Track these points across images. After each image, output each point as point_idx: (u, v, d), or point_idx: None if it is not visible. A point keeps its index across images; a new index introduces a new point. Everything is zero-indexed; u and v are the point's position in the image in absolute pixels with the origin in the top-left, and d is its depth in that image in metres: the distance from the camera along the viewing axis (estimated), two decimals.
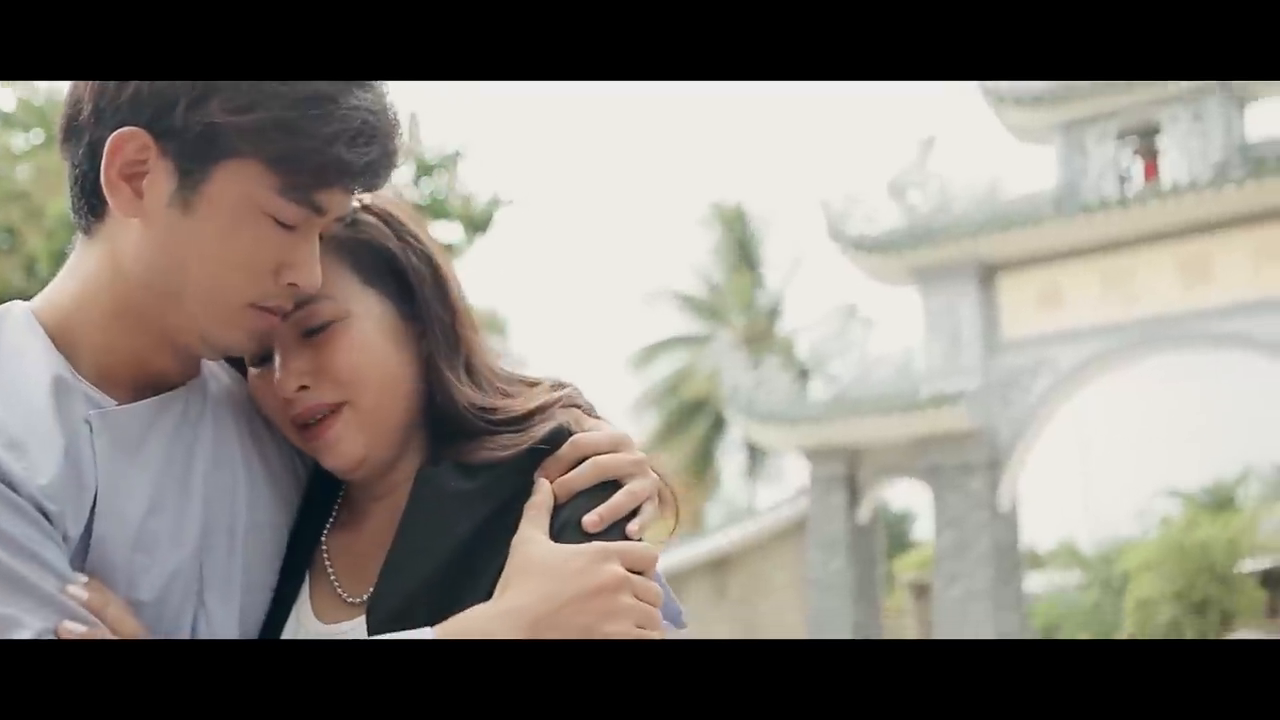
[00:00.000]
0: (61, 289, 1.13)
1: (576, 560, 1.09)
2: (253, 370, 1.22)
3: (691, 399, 26.56)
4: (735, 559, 17.89)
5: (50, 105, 14.37)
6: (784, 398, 16.14)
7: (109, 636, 1.02)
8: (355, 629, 1.15)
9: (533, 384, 1.26)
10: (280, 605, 1.21)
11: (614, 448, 1.15)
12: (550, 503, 1.13)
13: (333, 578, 1.21)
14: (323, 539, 1.24)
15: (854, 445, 15.84)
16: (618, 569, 1.10)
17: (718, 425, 25.70)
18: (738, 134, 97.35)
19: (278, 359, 1.17)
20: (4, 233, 13.62)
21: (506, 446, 1.16)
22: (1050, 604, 20.40)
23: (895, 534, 24.50)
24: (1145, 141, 14.63)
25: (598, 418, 1.23)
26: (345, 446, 1.17)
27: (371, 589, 1.17)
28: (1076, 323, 14.53)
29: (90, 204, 1.09)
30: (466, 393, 1.20)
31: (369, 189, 1.13)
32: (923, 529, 25.60)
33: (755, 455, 26.04)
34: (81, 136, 1.07)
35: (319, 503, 1.27)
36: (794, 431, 15.87)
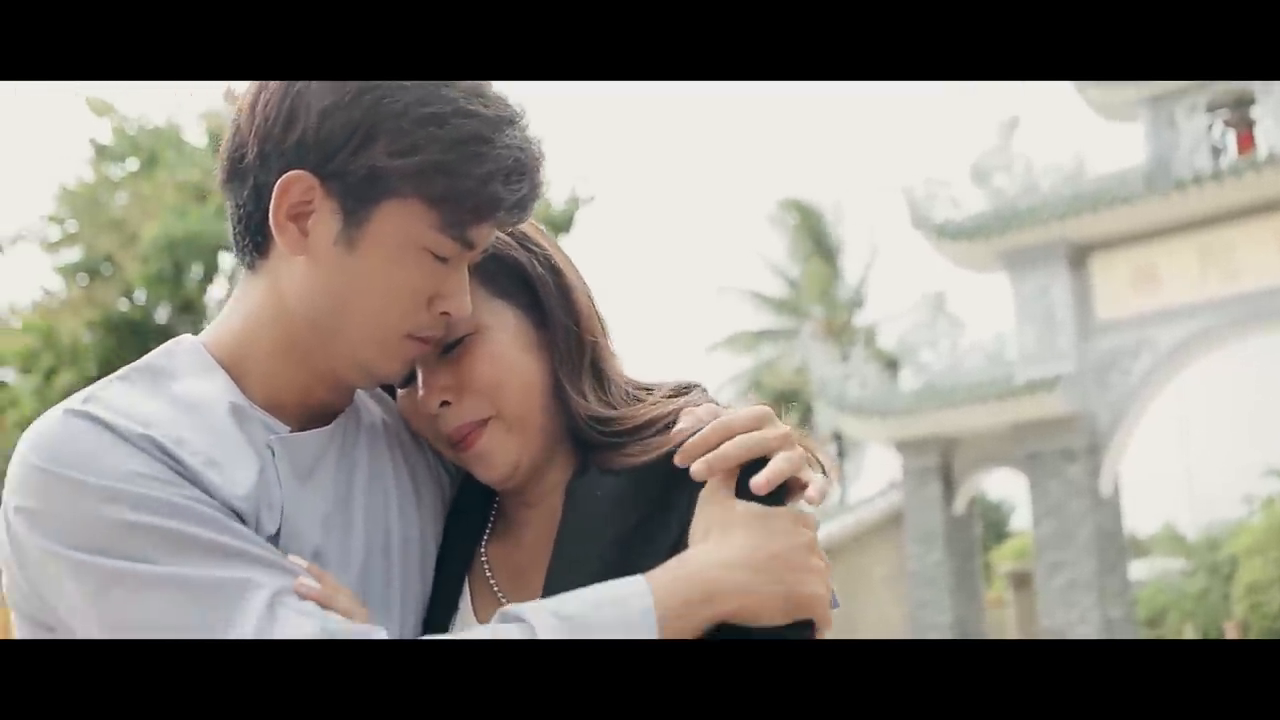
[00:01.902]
0: (228, 323, 1.18)
1: (779, 519, 1.10)
2: (401, 391, 1.24)
3: (777, 393, 26.46)
4: (831, 554, 17.66)
5: (142, 135, 14.77)
6: (874, 389, 15.99)
7: (342, 602, 1.06)
8: None
9: (658, 388, 1.26)
10: (440, 614, 1.23)
11: (756, 425, 1.14)
12: (732, 464, 1.12)
13: (495, 586, 1.23)
14: (481, 549, 1.26)
15: (947, 435, 15.64)
16: (812, 532, 1.12)
17: (805, 419, 25.58)
18: (810, 125, 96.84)
19: (420, 377, 1.20)
20: (103, 260, 14.01)
21: (649, 450, 1.17)
22: (1155, 591, 19.94)
23: (990, 524, 24.13)
24: (1238, 112, 14.24)
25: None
26: (496, 458, 1.19)
27: (536, 599, 1.18)
28: (1175, 301, 14.19)
29: (255, 242, 1.13)
30: (585, 405, 1.21)
31: (518, 222, 1.17)
32: (1019, 519, 25.21)
33: (843, 448, 25.86)
34: (246, 179, 1.11)
35: (471, 513, 1.29)
36: (885, 423, 15.71)
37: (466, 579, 1.24)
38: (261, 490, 1.10)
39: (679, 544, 1.11)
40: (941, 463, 15.73)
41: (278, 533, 1.11)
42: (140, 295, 14.04)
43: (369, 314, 1.11)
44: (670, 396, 1.23)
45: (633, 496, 1.15)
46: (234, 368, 1.15)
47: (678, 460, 1.13)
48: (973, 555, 16.29)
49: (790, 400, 26.16)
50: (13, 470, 1.05)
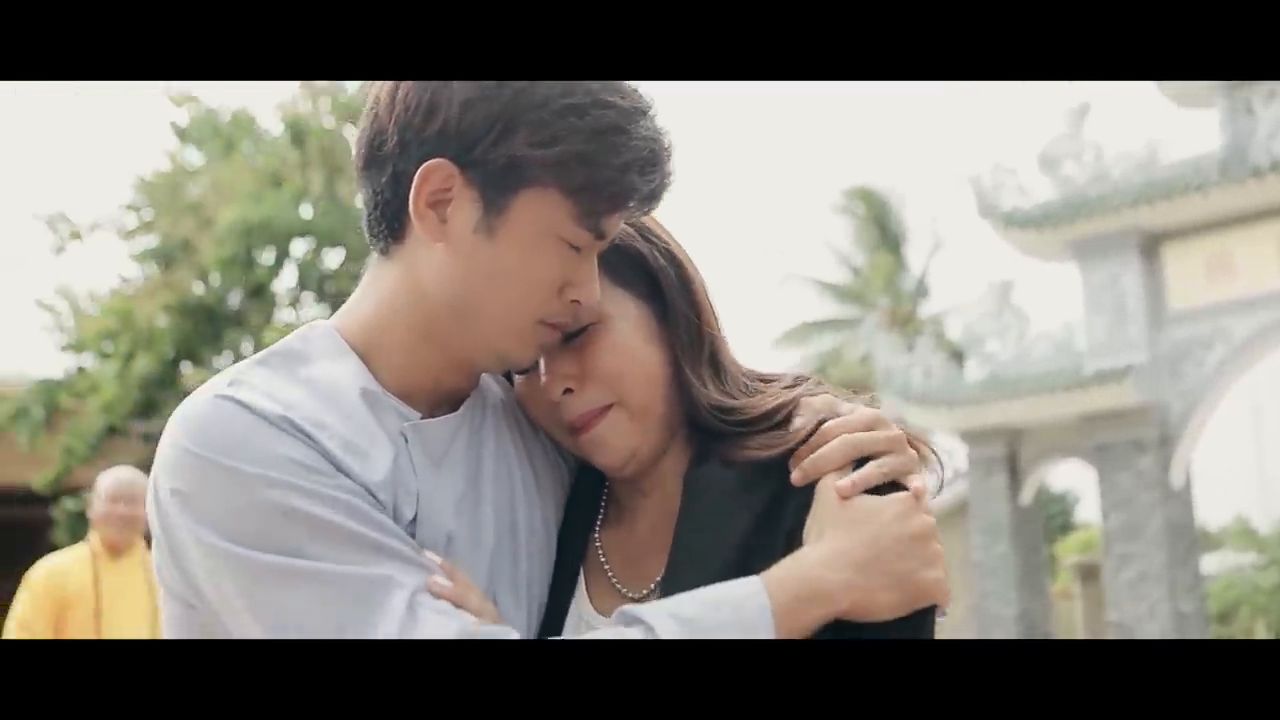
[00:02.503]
0: (360, 308, 1.20)
1: (893, 506, 1.12)
2: (519, 378, 1.27)
3: (841, 383, 26.18)
4: None
5: (220, 124, 14.98)
6: (940, 379, 15.83)
7: (473, 601, 1.08)
8: None
9: (774, 379, 1.28)
10: (557, 600, 1.25)
11: (867, 428, 1.16)
12: (831, 469, 1.14)
13: (609, 573, 1.26)
14: (595, 535, 1.29)
15: (1014, 426, 15.44)
16: (930, 518, 1.13)
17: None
18: (877, 113, 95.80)
19: (542, 364, 1.22)
20: (179, 246, 14.26)
21: (770, 445, 1.18)
22: (1227, 585, 19.53)
23: (1053, 516, 23.79)
24: None
25: (849, 403, 1.24)
26: (614, 444, 1.21)
27: (650, 586, 1.22)
28: (1250, 291, 13.86)
29: (391, 228, 1.15)
30: (707, 394, 1.23)
31: (648, 212, 1.19)
32: (1085, 511, 24.83)
33: None
34: (385, 166, 1.13)
35: (584, 499, 1.31)
36: (951, 414, 15.55)
37: (581, 567, 1.27)
38: (397, 476, 1.12)
39: (794, 541, 1.13)
40: (1008, 453, 15.54)
41: (414, 519, 1.12)
42: (214, 280, 14.26)
43: (506, 301, 1.13)
44: (787, 388, 1.24)
45: (751, 490, 1.17)
46: (367, 353, 1.17)
47: (795, 480, 1.15)
48: (1039, 547, 16.09)
49: (855, 390, 25.80)
50: (165, 453, 1.08)
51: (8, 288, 44.55)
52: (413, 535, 1.11)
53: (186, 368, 13.78)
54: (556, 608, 1.24)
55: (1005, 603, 15.25)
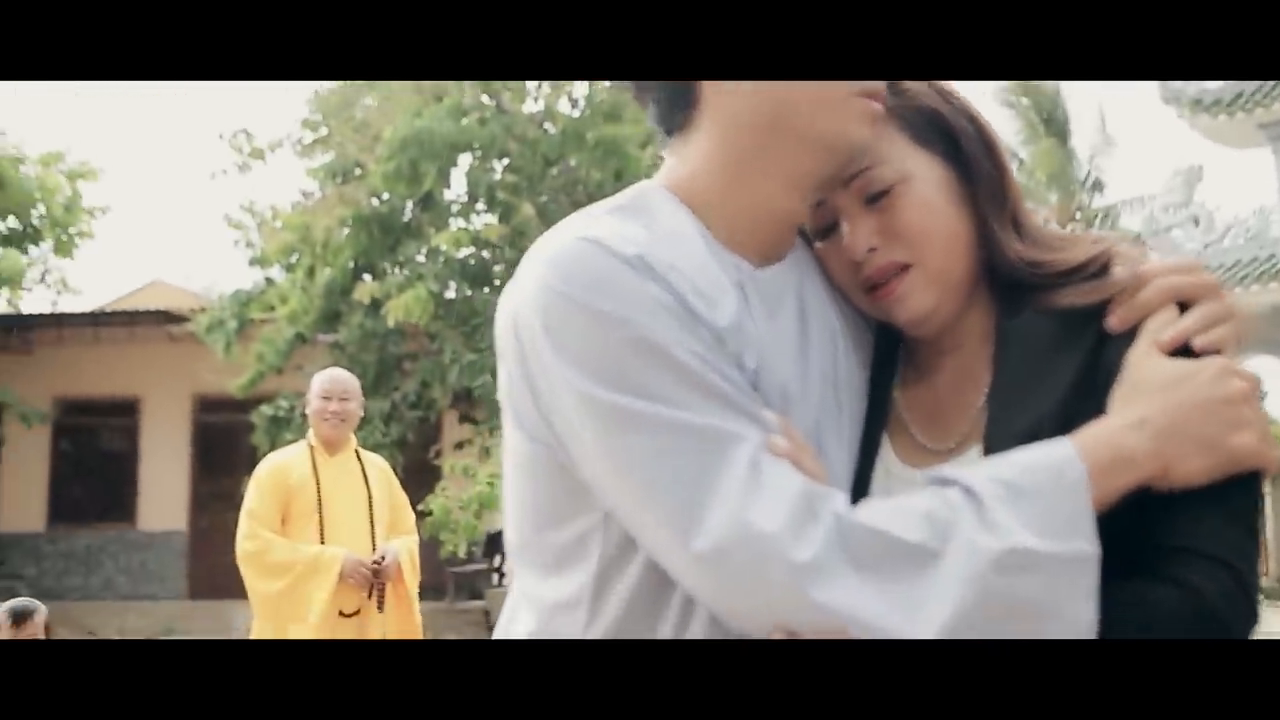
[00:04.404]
0: (679, 169, 1.21)
1: (1202, 371, 1.09)
2: (819, 244, 1.29)
3: None
4: None
5: None
6: None
7: (808, 462, 1.09)
8: None
9: (1075, 236, 1.27)
10: (864, 454, 1.28)
11: (1186, 273, 1.14)
12: (1170, 319, 1.13)
13: (911, 429, 1.28)
14: (894, 394, 1.31)
15: None
16: (1243, 382, 1.09)
17: None
18: None
19: (845, 227, 1.24)
20: (353, 164, 14.67)
21: (1092, 293, 1.17)
22: None
23: None
24: None
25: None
26: (915, 301, 1.22)
27: (955, 440, 1.24)
28: None
29: (685, 99, 1.18)
30: (1017, 248, 1.23)
31: None
32: (1273, 406, 23.73)
33: None
34: None
35: (881, 361, 1.33)
36: None
37: (884, 421, 1.29)
38: (740, 325, 1.13)
39: (1104, 397, 1.11)
40: None
41: (755, 370, 1.13)
42: (386, 194, 14.64)
43: (816, 84, 1.14)
44: (1094, 243, 1.23)
45: (1072, 339, 1.16)
46: (694, 207, 1.18)
47: (1113, 326, 1.13)
48: None
49: None
50: (531, 292, 1.10)
51: (203, 204, 46.77)
52: (753, 386, 1.12)
53: (366, 279, 14.26)
54: (863, 466, 1.27)
55: None
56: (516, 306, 1.12)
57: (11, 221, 17.29)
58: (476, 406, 13.87)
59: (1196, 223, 14.79)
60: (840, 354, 1.26)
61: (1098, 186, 26.15)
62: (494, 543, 13.57)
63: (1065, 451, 1.05)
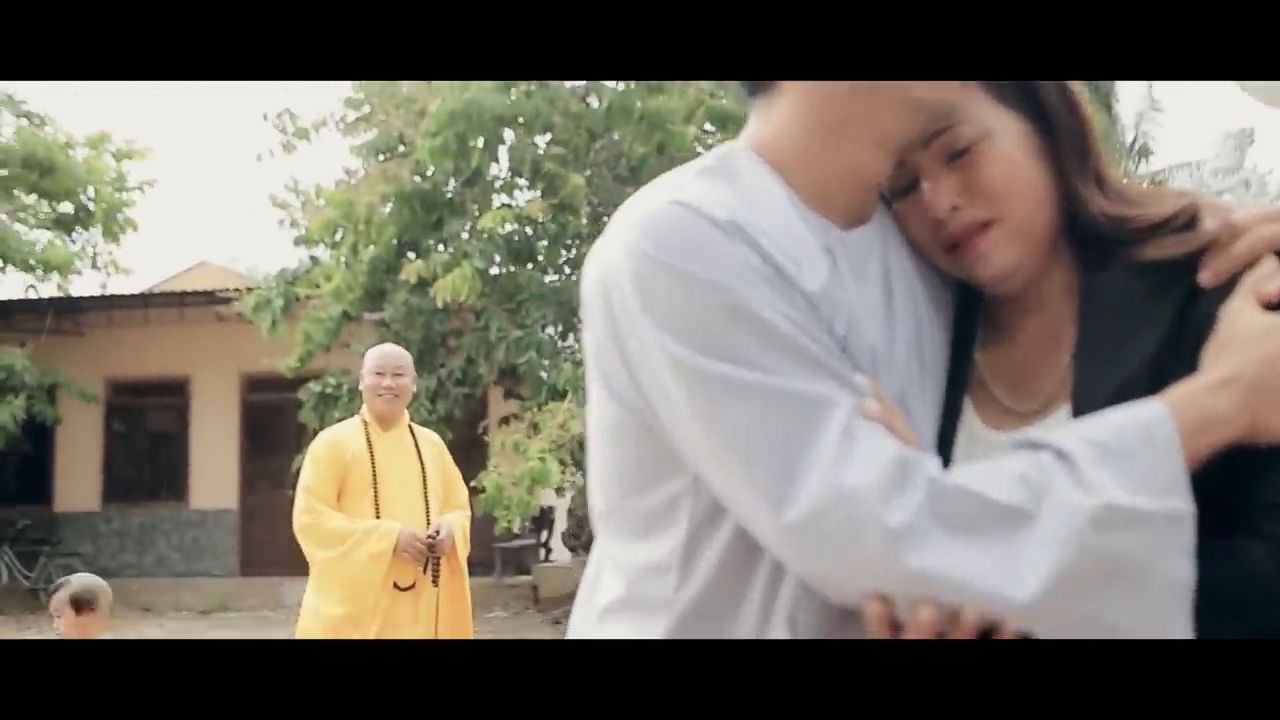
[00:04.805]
0: (762, 132, 1.20)
1: None
2: (898, 203, 1.27)
3: None
4: None
5: None
6: None
7: (899, 426, 1.08)
8: None
9: (1157, 192, 1.25)
10: (946, 418, 1.26)
11: (1276, 220, 1.12)
12: (1273, 271, 1.11)
13: (995, 391, 1.26)
14: (974, 355, 1.30)
15: None
16: None
17: None
18: None
19: (926, 185, 1.23)
20: (396, 140, 14.70)
21: (1181, 245, 1.15)
22: None
23: None
24: None
25: None
26: (997, 258, 1.21)
27: (1039, 402, 1.22)
28: None
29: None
30: (1101, 203, 1.21)
31: None
32: None
33: None
34: None
35: (960, 322, 1.32)
36: None
37: (966, 383, 1.28)
38: (829, 289, 1.12)
39: (1196, 352, 1.10)
40: None
41: (844, 334, 1.12)
42: (429, 170, 14.66)
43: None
44: (1179, 196, 1.21)
45: (1157, 295, 1.15)
46: (782, 169, 1.17)
47: (1205, 280, 1.11)
48: None
49: None
50: (621, 256, 1.09)
51: (248, 186, 47.24)
52: (842, 350, 1.12)
53: (410, 256, 14.32)
54: (947, 423, 1.26)
55: None
56: (604, 270, 1.12)
57: (64, 206, 17.48)
58: (521, 383, 13.90)
59: (1248, 186, 14.54)
60: (923, 316, 1.25)
61: (1145, 152, 25.75)
62: (542, 518, 13.64)
63: (1155, 411, 1.04)
